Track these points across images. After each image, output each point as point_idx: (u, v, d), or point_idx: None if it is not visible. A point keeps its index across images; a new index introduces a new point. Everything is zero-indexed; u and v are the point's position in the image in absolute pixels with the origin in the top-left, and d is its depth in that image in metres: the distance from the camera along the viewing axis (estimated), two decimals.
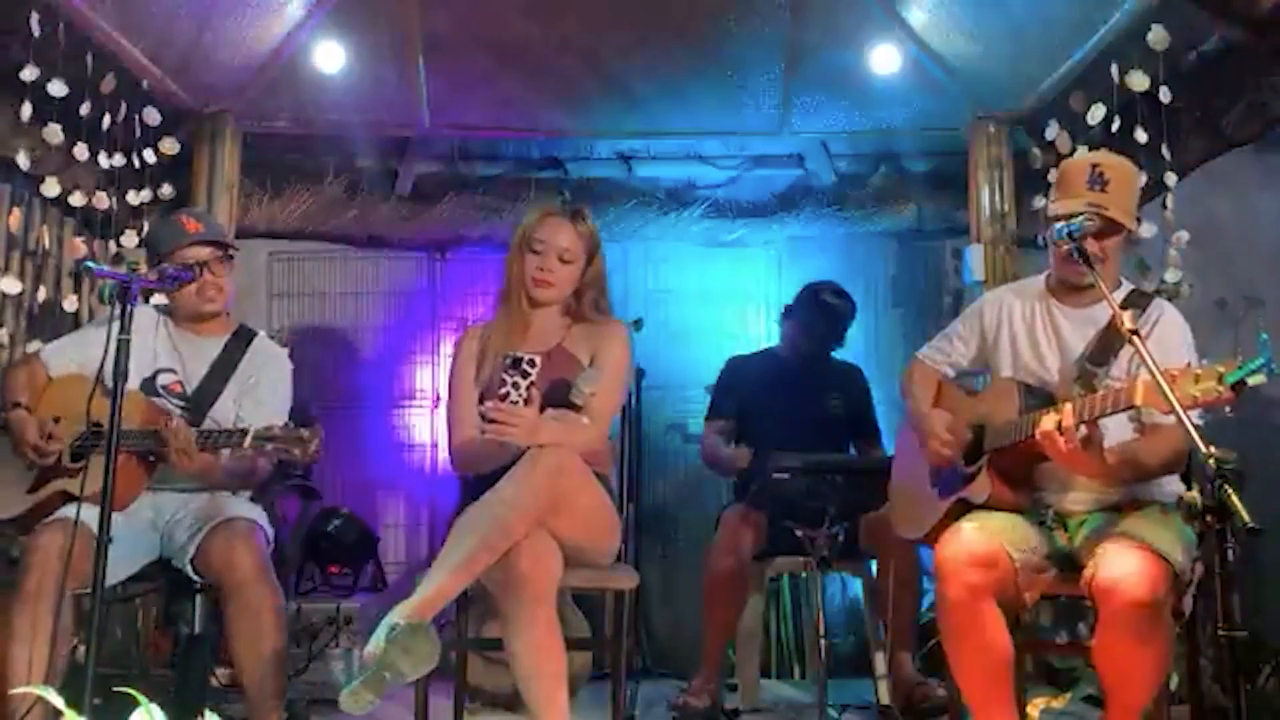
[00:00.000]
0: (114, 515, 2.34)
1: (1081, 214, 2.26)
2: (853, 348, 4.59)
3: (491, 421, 2.34)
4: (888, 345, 4.71)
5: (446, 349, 4.65)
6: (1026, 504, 2.41)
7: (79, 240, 3.75)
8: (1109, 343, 2.37)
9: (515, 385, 2.41)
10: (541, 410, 2.42)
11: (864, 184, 4.72)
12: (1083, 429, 2.12)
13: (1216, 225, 3.99)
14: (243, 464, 2.67)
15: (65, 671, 2.39)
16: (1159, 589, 2.07)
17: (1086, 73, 3.59)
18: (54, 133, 3.40)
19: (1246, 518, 1.61)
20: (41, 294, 3.69)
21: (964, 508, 2.42)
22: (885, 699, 3.35)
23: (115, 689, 2.25)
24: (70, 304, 3.73)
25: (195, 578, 2.54)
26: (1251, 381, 1.77)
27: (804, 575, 3.98)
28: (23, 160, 3.44)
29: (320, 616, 3.65)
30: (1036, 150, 3.93)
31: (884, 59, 3.88)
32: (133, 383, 2.49)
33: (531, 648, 2.20)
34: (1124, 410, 2.09)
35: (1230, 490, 1.64)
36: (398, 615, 2.10)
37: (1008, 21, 3.57)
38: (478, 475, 2.49)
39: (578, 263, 2.63)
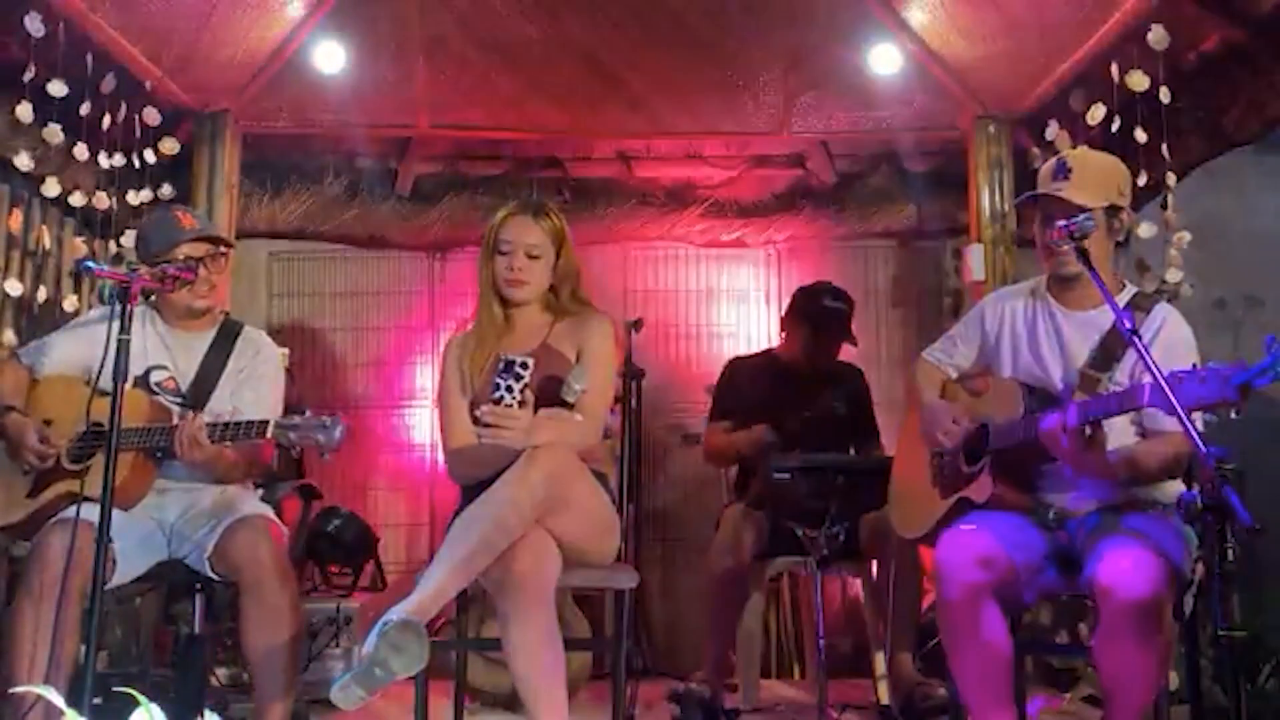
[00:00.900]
0: (120, 516, 2.35)
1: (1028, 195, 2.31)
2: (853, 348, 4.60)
3: (487, 425, 2.33)
4: (888, 345, 4.71)
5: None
6: (1027, 504, 2.41)
7: (79, 240, 3.75)
8: (1112, 347, 2.37)
9: (509, 388, 2.41)
10: (535, 411, 2.42)
11: (864, 184, 4.72)
12: (1086, 429, 2.12)
13: (1216, 225, 3.99)
14: (248, 454, 2.66)
15: (71, 671, 2.38)
16: (1159, 589, 2.06)
17: (1086, 73, 3.59)
18: (54, 133, 3.40)
19: (1246, 518, 1.61)
20: (42, 294, 3.69)
21: (965, 507, 2.42)
22: (885, 699, 3.35)
23: (115, 689, 2.26)
24: (70, 304, 3.72)
25: (212, 575, 2.53)
26: (1258, 384, 1.77)
27: (804, 575, 3.98)
28: (23, 160, 3.44)
29: (320, 616, 3.65)
30: (1036, 150, 3.93)
31: (884, 59, 3.89)
32: (127, 381, 2.47)
33: (530, 648, 2.20)
34: (1128, 411, 2.09)
35: (1230, 490, 1.64)
36: (393, 613, 2.10)
37: (1008, 21, 3.57)
38: (474, 481, 2.48)
39: (546, 257, 2.62)
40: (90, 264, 2.43)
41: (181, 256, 2.67)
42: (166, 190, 3.94)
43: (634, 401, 2.87)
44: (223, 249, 2.79)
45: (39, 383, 2.70)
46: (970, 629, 2.25)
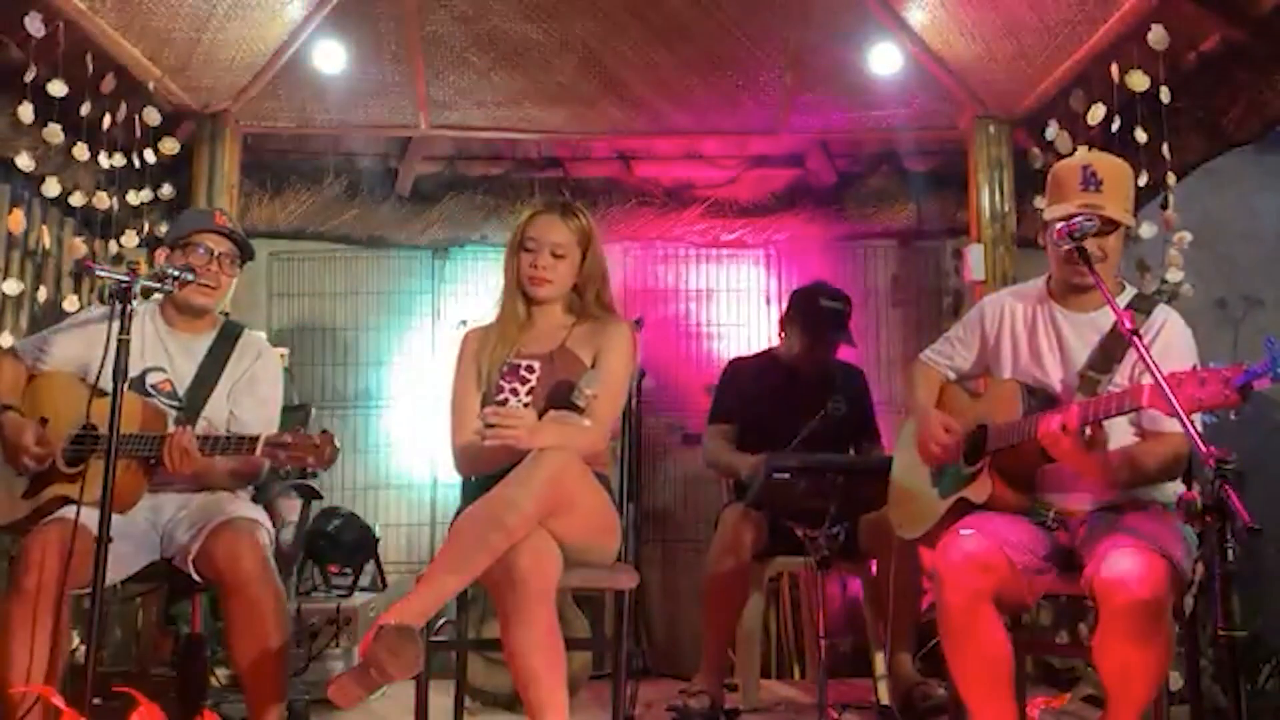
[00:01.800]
0: (114, 517, 2.34)
1: (1079, 215, 2.26)
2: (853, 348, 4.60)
3: (491, 426, 2.34)
4: (888, 345, 4.72)
5: (446, 349, 4.65)
6: (1027, 505, 2.41)
7: (79, 240, 3.75)
8: (1112, 349, 2.37)
9: (514, 391, 2.41)
10: (541, 416, 2.42)
11: (864, 184, 4.73)
12: (1087, 430, 2.12)
13: (1216, 225, 3.99)
14: (241, 466, 2.66)
15: (65, 671, 2.38)
16: (1160, 589, 2.06)
17: (1086, 73, 3.59)
18: (54, 133, 3.40)
19: (1246, 518, 1.61)
20: (42, 294, 3.69)
21: (965, 508, 2.42)
22: (885, 699, 3.35)
23: (115, 689, 2.26)
24: (70, 304, 3.72)
25: (197, 577, 2.53)
26: (1258, 386, 1.77)
27: (804, 575, 3.98)
28: (23, 160, 3.44)
29: (320, 616, 3.65)
30: (1036, 150, 3.93)
31: (884, 59, 3.89)
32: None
33: (531, 648, 2.20)
34: (1129, 412, 2.09)
35: (1230, 490, 1.64)
36: (391, 616, 2.11)
37: (1008, 21, 3.57)
38: (479, 476, 2.49)
39: (571, 257, 2.62)
40: (91, 264, 2.43)
41: (201, 247, 2.68)
42: (166, 190, 3.94)
43: (634, 401, 2.86)
44: (241, 253, 2.79)
45: (36, 379, 2.69)
46: (970, 632, 2.25)
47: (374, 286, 4.80)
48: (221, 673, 3.40)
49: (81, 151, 3.57)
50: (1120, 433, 2.32)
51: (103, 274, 2.38)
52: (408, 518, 4.65)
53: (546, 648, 2.20)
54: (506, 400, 2.40)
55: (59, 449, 2.54)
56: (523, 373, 2.42)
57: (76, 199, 3.69)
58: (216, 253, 2.71)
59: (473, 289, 4.73)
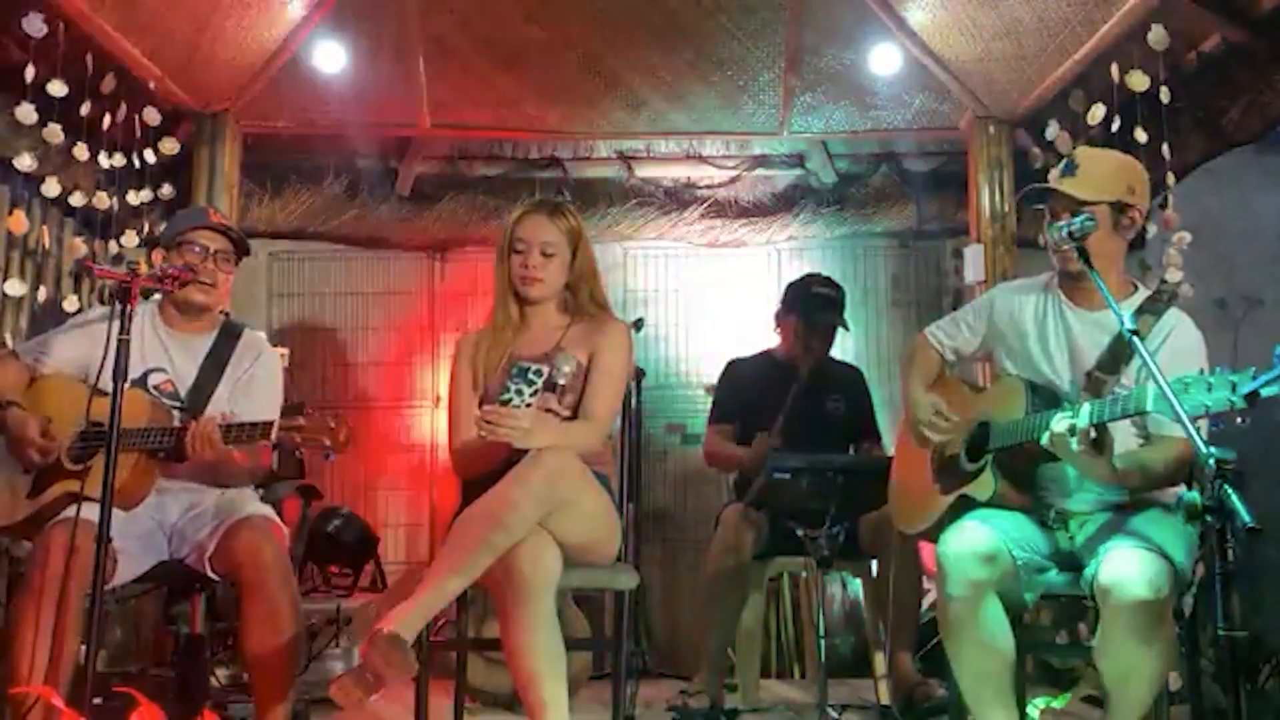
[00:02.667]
0: (121, 516, 2.34)
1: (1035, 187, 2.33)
2: (853, 348, 4.60)
3: (488, 424, 2.34)
4: (888, 345, 4.72)
5: (446, 349, 4.65)
6: (1029, 503, 2.41)
7: (79, 240, 3.75)
8: (1119, 350, 2.36)
9: (519, 392, 2.41)
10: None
11: (864, 184, 4.73)
12: (1091, 431, 2.11)
13: (1216, 225, 3.99)
14: (252, 457, 2.65)
15: (71, 671, 2.38)
16: (1160, 589, 2.06)
17: (1086, 73, 3.59)
18: (54, 133, 3.40)
19: (1246, 518, 1.61)
20: (42, 294, 3.69)
21: (966, 504, 2.42)
22: (885, 699, 3.35)
23: (115, 689, 2.26)
24: (70, 304, 3.72)
25: (213, 576, 2.53)
26: (1265, 393, 1.77)
27: (804, 575, 3.98)
28: (23, 161, 3.44)
29: (320, 616, 3.65)
30: (1036, 150, 3.93)
31: (884, 59, 3.89)
32: (126, 382, 2.46)
33: (531, 648, 2.20)
34: (1134, 415, 2.08)
35: (1230, 490, 1.64)
36: (392, 619, 2.11)
37: (1008, 22, 3.57)
38: (478, 477, 2.49)
39: (561, 255, 2.62)
40: (91, 264, 2.43)
41: (197, 245, 2.68)
42: (166, 190, 3.94)
43: (634, 401, 2.86)
44: (238, 253, 2.79)
45: (38, 381, 2.68)
46: (971, 626, 2.25)
47: (374, 287, 4.80)
48: (221, 673, 3.41)
49: (81, 151, 3.57)
50: (1124, 435, 2.31)
51: (103, 274, 2.38)
52: (407, 518, 4.65)
53: (546, 648, 2.20)
54: (510, 400, 2.40)
55: (64, 446, 2.54)
56: (530, 375, 2.42)
57: (76, 199, 3.69)
58: (212, 250, 2.71)
59: (472, 289, 4.73)
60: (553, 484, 2.27)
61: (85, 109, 3.51)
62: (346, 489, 4.57)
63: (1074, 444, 2.11)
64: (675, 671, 3.96)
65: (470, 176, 4.75)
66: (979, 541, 2.25)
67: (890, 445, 3.58)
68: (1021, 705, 2.47)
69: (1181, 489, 2.41)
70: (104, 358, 2.20)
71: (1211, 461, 1.67)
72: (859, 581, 3.68)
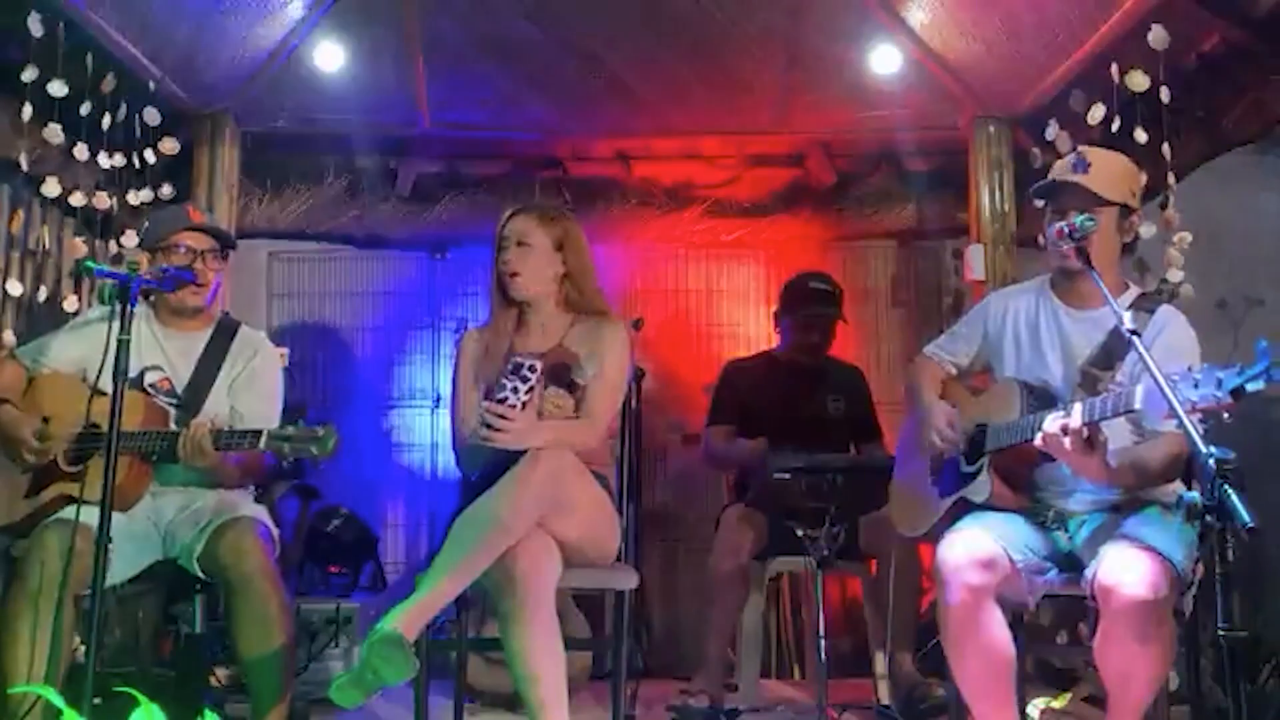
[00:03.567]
0: (116, 516, 2.34)
1: (1053, 180, 2.35)
2: (853, 348, 4.60)
3: (485, 428, 2.34)
4: (888, 345, 4.71)
5: (446, 349, 4.65)
6: (1027, 504, 2.41)
7: (79, 240, 3.75)
8: (1113, 347, 2.37)
9: (515, 389, 2.41)
10: (540, 415, 2.43)
11: (864, 184, 4.73)
12: (1084, 430, 2.12)
13: (1216, 225, 3.98)
14: (247, 459, 2.66)
15: (67, 670, 2.38)
16: (1160, 589, 2.06)
17: (1086, 73, 3.58)
18: (54, 133, 3.40)
19: (1246, 518, 1.61)
20: (42, 294, 3.69)
21: (964, 507, 2.42)
22: (885, 699, 3.35)
23: (115, 689, 2.26)
24: (70, 304, 3.72)
25: (202, 576, 2.53)
26: (1250, 388, 1.77)
27: (804, 575, 3.97)
28: (23, 160, 3.44)
29: (320, 616, 3.65)
30: (1036, 150, 3.93)
31: (884, 59, 3.89)
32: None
33: (531, 648, 2.20)
34: (1125, 414, 2.08)
35: (1230, 490, 1.64)
36: (390, 621, 2.11)
37: (1008, 21, 3.57)
38: (480, 475, 2.49)
39: (539, 247, 2.62)
40: (90, 264, 2.43)
41: (182, 247, 2.67)
42: (166, 190, 3.94)
43: (634, 401, 2.87)
44: (225, 249, 2.79)
45: (37, 381, 2.68)
46: (971, 631, 2.25)
47: (374, 286, 4.80)
48: (221, 673, 3.40)
49: (81, 151, 3.56)
50: (1119, 433, 2.32)
51: (103, 274, 2.38)
52: (407, 518, 4.65)
53: (546, 648, 2.21)
54: (506, 398, 2.40)
55: (61, 448, 2.54)
56: (525, 371, 2.42)
57: (76, 199, 3.68)
58: (200, 251, 2.71)
59: (472, 289, 4.73)
60: (552, 484, 2.27)
61: (85, 109, 3.51)
62: (346, 489, 4.56)
63: (1066, 443, 2.11)
64: (675, 671, 3.96)
65: (470, 176, 4.74)
66: (977, 547, 2.25)
67: (892, 444, 3.58)
68: (1021, 705, 2.47)
69: (1181, 489, 2.41)
70: (104, 358, 2.20)
71: (1211, 461, 1.67)
72: (859, 581, 3.67)
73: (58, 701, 1.33)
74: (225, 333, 2.80)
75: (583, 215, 4.60)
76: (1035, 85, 3.84)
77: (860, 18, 3.81)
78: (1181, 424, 1.79)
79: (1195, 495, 2.28)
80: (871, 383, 3.90)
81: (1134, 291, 2.46)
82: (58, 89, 3.36)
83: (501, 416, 2.32)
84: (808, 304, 3.68)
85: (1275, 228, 4.26)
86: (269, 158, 4.47)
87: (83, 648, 2.29)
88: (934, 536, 2.42)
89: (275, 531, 2.65)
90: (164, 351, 2.73)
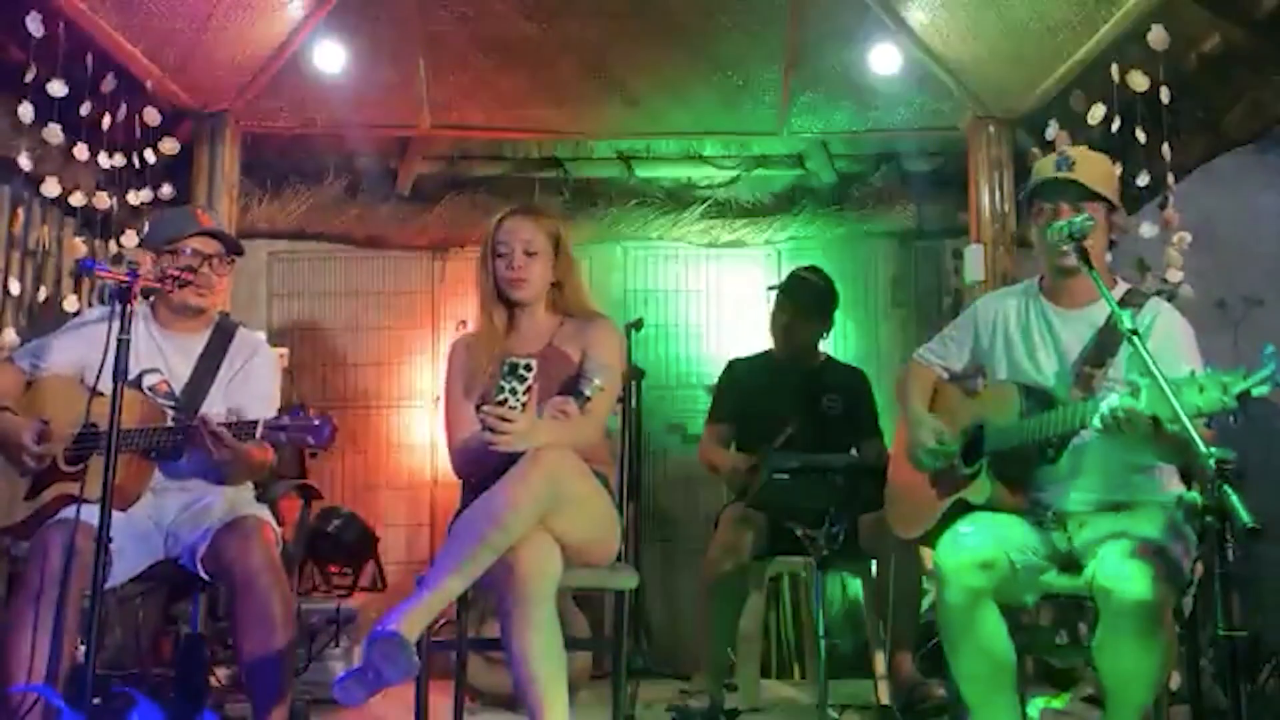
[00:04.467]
0: (118, 516, 2.34)
1: (1045, 179, 2.37)
2: (853, 348, 4.60)
3: (488, 429, 2.34)
4: (888, 345, 4.72)
5: (446, 349, 4.64)
6: (1026, 505, 2.41)
7: (79, 240, 3.75)
8: (1106, 343, 2.37)
9: (513, 391, 2.41)
10: (540, 412, 2.43)
11: (864, 184, 4.73)
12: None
13: (1216, 225, 3.99)
14: (258, 454, 2.63)
15: (68, 671, 2.38)
16: (1160, 589, 2.06)
17: (1086, 73, 3.59)
18: (54, 133, 3.40)
19: (1246, 518, 1.61)
20: (42, 294, 3.69)
21: (963, 508, 2.42)
22: (885, 699, 3.35)
23: (115, 689, 2.27)
24: (70, 304, 3.72)
25: (205, 576, 2.53)
26: (1256, 393, 1.77)
27: (804, 575, 3.97)
28: (23, 160, 3.44)
29: (320, 616, 3.65)
30: (1036, 150, 3.93)
31: (884, 59, 3.89)
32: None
33: (531, 648, 2.20)
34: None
35: (1230, 490, 1.64)
36: (391, 622, 2.11)
37: (1008, 22, 3.57)
38: (478, 476, 2.49)
39: (544, 253, 2.63)
40: (91, 264, 2.43)
41: (189, 250, 2.67)
42: (166, 190, 3.94)
43: (634, 401, 2.87)
44: (233, 254, 2.78)
45: (35, 384, 2.68)
46: (970, 633, 2.25)
47: (373, 286, 4.80)
48: (221, 673, 3.40)
49: (81, 151, 3.56)
50: None
51: (103, 274, 2.38)
52: (408, 518, 4.65)
53: (546, 648, 2.20)
54: (505, 400, 2.40)
55: (61, 448, 2.54)
56: (521, 371, 2.42)
57: (76, 199, 3.69)
58: (207, 255, 2.70)
59: (472, 289, 4.71)
60: (552, 483, 2.27)
61: (85, 109, 3.51)
62: (346, 489, 4.57)
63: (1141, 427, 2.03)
64: (675, 671, 3.96)
65: (470, 176, 4.74)
66: (976, 549, 2.26)
67: (891, 445, 3.58)
68: (1021, 705, 2.48)
69: (1181, 489, 2.42)
70: (103, 358, 2.20)
71: (1211, 461, 1.67)
72: (859, 581, 3.67)
73: (57, 701, 1.33)
74: (223, 334, 2.80)
75: (583, 215, 4.65)
76: (1035, 85, 3.84)
77: (860, 18, 3.81)
78: (1184, 424, 1.79)
79: (1195, 495, 2.28)
80: (871, 382, 3.89)
81: (1122, 287, 2.47)
82: (58, 89, 3.36)
83: (502, 419, 2.32)
84: (798, 295, 3.69)
85: (1275, 228, 4.27)
86: (269, 158, 4.47)
87: (83, 648, 2.28)
88: (931, 539, 2.43)
89: (278, 531, 2.65)
90: (162, 352, 2.72)
